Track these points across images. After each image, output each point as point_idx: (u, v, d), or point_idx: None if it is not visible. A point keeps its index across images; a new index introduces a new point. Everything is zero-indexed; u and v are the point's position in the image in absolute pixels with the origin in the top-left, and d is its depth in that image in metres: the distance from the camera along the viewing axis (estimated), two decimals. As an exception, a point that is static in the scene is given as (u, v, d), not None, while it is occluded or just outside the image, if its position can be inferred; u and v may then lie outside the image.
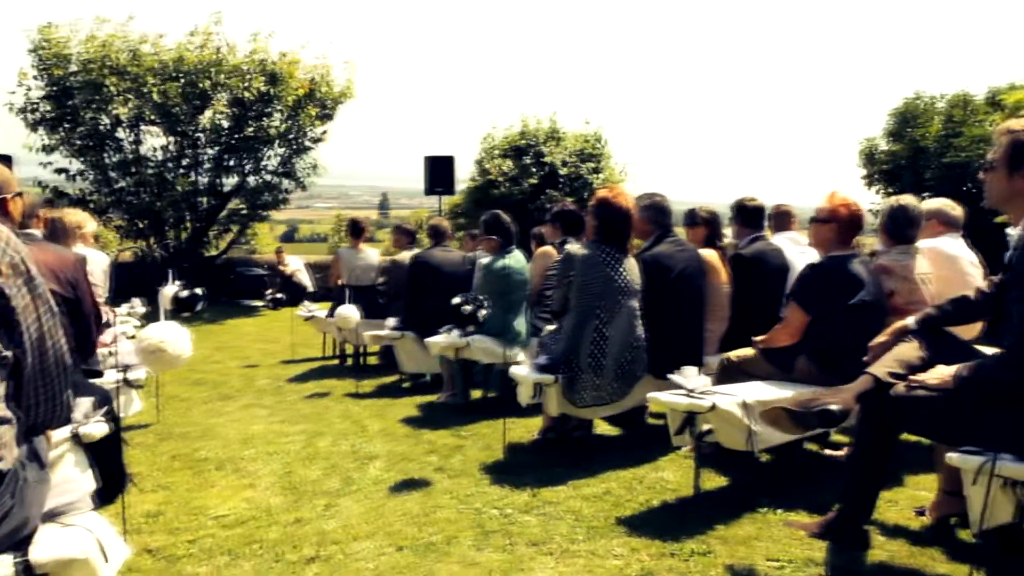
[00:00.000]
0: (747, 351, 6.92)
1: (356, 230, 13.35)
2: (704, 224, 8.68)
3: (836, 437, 7.77)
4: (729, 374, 6.87)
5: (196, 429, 8.98)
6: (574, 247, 7.53)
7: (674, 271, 7.88)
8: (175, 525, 6.09)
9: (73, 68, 21.36)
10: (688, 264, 8.00)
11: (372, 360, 13.37)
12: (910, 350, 5.15)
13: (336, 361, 13.64)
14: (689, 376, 6.31)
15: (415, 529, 5.89)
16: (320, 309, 13.88)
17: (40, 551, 2.90)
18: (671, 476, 6.92)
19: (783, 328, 6.60)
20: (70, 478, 3.31)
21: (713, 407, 5.97)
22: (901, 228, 6.79)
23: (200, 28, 22.83)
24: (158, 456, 7.91)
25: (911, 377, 4.92)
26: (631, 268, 7.52)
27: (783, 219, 9.14)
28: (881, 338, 5.39)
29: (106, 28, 21.98)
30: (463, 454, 7.75)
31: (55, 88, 21.43)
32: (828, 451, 7.53)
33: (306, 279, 23.86)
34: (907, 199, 6.87)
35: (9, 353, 2.86)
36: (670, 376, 6.40)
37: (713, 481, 6.77)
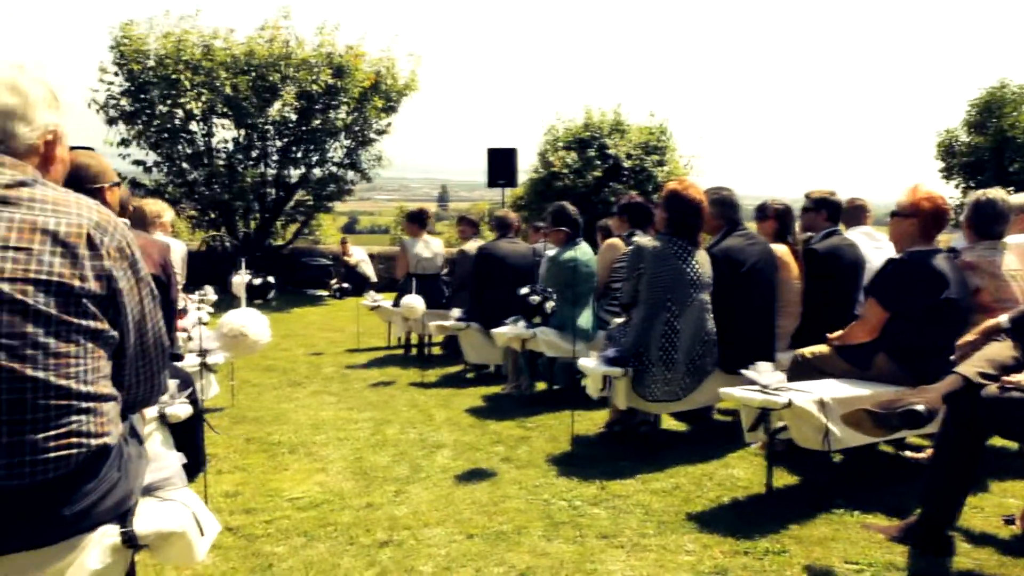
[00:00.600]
0: (821, 347, 6.83)
1: (420, 220, 13.37)
2: (775, 218, 8.60)
3: (915, 439, 7.64)
4: (803, 371, 6.78)
5: (268, 414, 9.07)
6: (644, 239, 7.49)
7: (745, 265, 7.82)
8: (252, 505, 6.15)
9: (150, 64, 21.66)
10: (759, 258, 7.93)
11: (436, 350, 13.41)
12: (1003, 350, 5.01)
13: (400, 351, 13.69)
14: (763, 372, 6.25)
15: (484, 518, 5.90)
16: (385, 299, 13.94)
17: (142, 524, 2.96)
18: (741, 473, 6.88)
19: (860, 324, 6.48)
20: (160, 455, 3.37)
21: (789, 404, 5.91)
22: (988, 223, 6.64)
23: (269, 22, 23.01)
24: (234, 439, 8.01)
25: (1005, 378, 4.77)
26: (702, 261, 7.48)
27: (857, 213, 9.04)
28: (969, 336, 5.26)
29: (180, 24, 22.27)
30: (529, 445, 7.75)
31: (133, 84, 21.75)
32: (908, 452, 7.34)
33: (369, 269, 23.99)
34: (995, 193, 6.70)
35: (115, 333, 2.93)
36: (743, 372, 6.34)
37: (785, 479, 6.70)
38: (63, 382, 2.75)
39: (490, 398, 9.92)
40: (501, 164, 22.92)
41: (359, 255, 24.22)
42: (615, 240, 9.83)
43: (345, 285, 18.31)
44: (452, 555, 5.28)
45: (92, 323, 2.85)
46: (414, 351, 13.38)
